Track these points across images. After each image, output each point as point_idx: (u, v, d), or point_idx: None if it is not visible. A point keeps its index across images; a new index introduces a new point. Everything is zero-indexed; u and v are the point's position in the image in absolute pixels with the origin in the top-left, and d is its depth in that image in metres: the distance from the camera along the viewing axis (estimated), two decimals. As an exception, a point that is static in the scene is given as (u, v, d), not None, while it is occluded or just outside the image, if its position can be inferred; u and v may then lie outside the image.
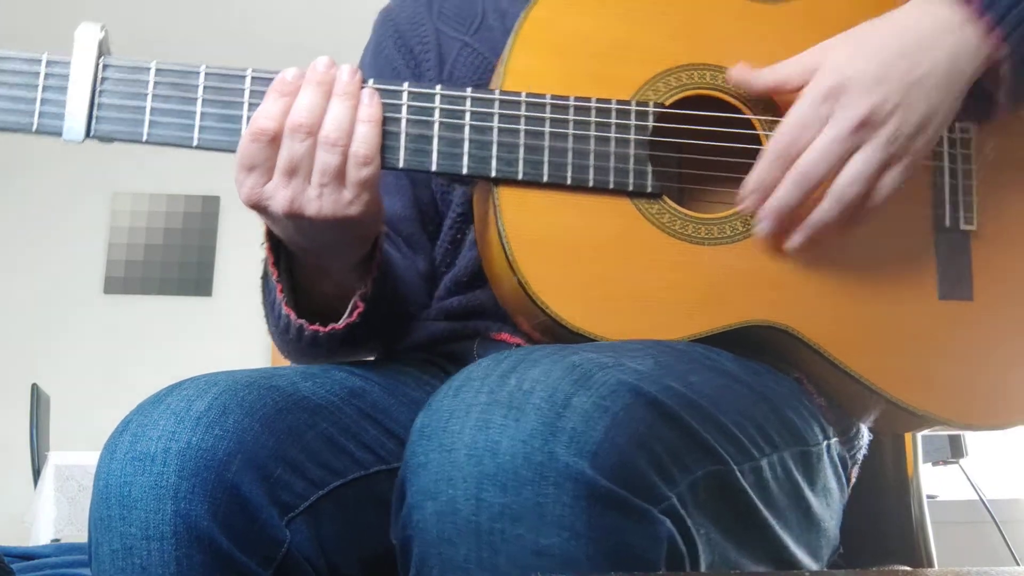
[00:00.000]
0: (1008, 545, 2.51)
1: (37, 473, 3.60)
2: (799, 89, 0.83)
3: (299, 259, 0.88)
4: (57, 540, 3.07)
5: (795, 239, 0.84)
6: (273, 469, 0.73)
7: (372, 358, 1.06)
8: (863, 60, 0.81)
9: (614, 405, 0.65)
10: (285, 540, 0.73)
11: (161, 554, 0.69)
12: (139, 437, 0.71)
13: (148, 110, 0.82)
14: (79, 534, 2.99)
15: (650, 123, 0.86)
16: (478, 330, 0.98)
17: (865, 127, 0.80)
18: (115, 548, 0.70)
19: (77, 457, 3.26)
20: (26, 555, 1.32)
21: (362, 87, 0.83)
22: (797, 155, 0.81)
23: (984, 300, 0.90)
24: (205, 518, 0.69)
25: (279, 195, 0.80)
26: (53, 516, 3.19)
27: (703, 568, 0.69)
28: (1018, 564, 2.51)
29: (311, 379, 0.83)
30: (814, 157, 0.80)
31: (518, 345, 0.91)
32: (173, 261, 5.26)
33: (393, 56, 1.10)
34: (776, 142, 0.82)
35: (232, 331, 4.47)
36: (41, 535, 3.16)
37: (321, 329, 0.87)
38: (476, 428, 0.63)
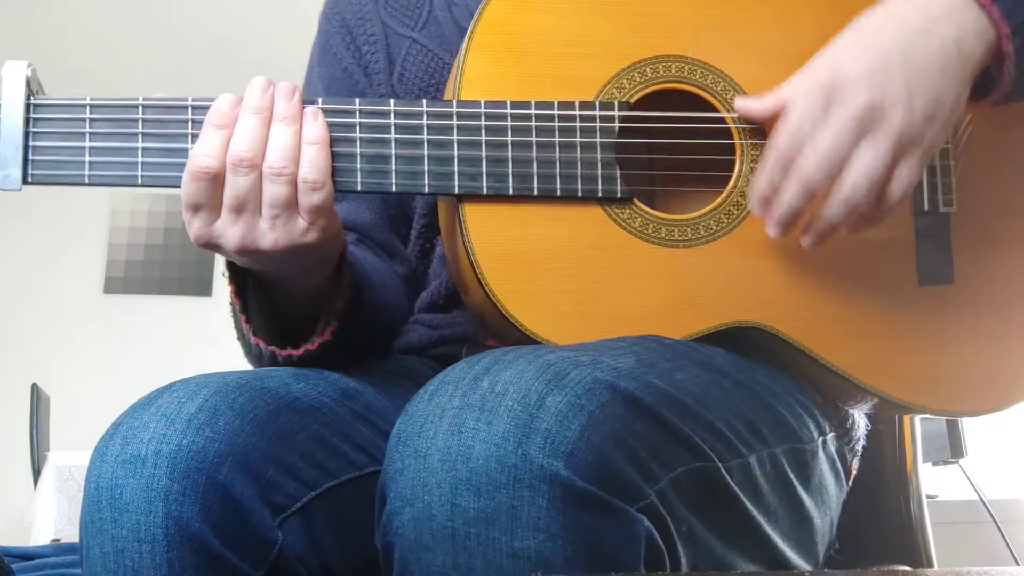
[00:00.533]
0: (1008, 545, 2.50)
1: (37, 473, 3.61)
2: None
3: (266, 283, 0.87)
4: (57, 540, 3.07)
5: (805, 241, 0.81)
6: (265, 470, 0.73)
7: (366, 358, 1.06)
8: (858, 53, 0.77)
9: (589, 403, 0.64)
10: (277, 541, 0.73)
11: (153, 556, 0.68)
12: (130, 439, 0.71)
13: (87, 150, 0.78)
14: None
15: (616, 124, 0.83)
16: (467, 335, 0.98)
17: (866, 121, 0.76)
18: (106, 551, 0.69)
19: (77, 457, 3.27)
20: (26, 555, 1.32)
21: (304, 106, 0.79)
22: (792, 159, 0.78)
23: (965, 283, 0.89)
24: (196, 520, 0.69)
25: (229, 232, 0.77)
26: (53, 516, 3.19)
27: (683, 564, 0.69)
28: (1018, 564, 2.51)
29: (303, 380, 0.82)
30: (814, 158, 0.76)
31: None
32: (173, 261, 5.27)
33: (342, 55, 1.07)
34: (775, 146, 0.79)
35: (232, 331, 4.47)
36: (41, 535, 3.16)
37: (295, 353, 0.86)
38: (449, 433, 0.63)
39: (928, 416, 0.94)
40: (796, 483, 0.83)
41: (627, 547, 0.64)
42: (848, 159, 0.76)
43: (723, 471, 0.73)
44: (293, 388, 0.80)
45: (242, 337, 0.90)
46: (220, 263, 0.87)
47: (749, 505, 0.77)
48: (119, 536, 0.69)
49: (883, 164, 0.76)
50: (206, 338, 4.87)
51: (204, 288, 5.21)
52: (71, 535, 3.12)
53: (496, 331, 0.86)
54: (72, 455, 3.30)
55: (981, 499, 2.52)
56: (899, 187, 0.78)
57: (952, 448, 2.61)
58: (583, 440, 0.63)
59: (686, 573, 0.68)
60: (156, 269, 5.27)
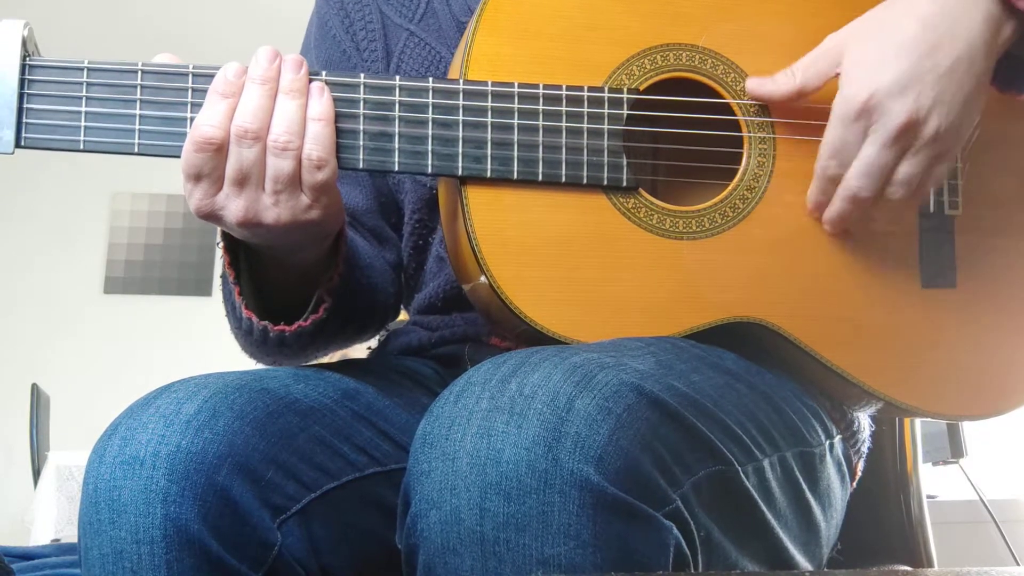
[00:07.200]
0: (1008, 545, 2.50)
1: (37, 473, 3.60)
2: (824, 83, 0.82)
3: (259, 255, 0.85)
4: (57, 540, 3.07)
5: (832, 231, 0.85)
6: (264, 472, 0.73)
7: (365, 358, 1.05)
8: (889, 64, 0.78)
9: (616, 406, 0.64)
10: (276, 543, 0.72)
11: (151, 558, 0.68)
12: (128, 440, 0.71)
13: (83, 115, 0.76)
14: (79, 534, 2.98)
15: (624, 111, 0.82)
16: (467, 335, 0.97)
17: (905, 135, 0.78)
18: (105, 552, 0.69)
19: (77, 457, 3.26)
20: (26, 555, 1.32)
21: (311, 80, 0.78)
22: (843, 173, 0.81)
23: (968, 287, 0.89)
24: (195, 522, 0.68)
25: (232, 205, 0.76)
26: (53, 516, 3.19)
27: (699, 570, 0.69)
28: (1018, 564, 2.50)
29: (303, 381, 0.82)
30: (858, 174, 0.80)
31: (509, 349, 0.90)
32: (173, 261, 5.27)
33: (341, 38, 1.05)
34: (820, 168, 0.82)
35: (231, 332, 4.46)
36: (41, 535, 3.16)
37: (288, 329, 0.84)
38: (478, 436, 0.63)
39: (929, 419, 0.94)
40: (804, 487, 0.83)
41: (656, 554, 0.64)
42: (892, 170, 0.80)
43: (742, 475, 0.73)
44: (293, 389, 0.80)
45: (232, 311, 0.88)
46: (220, 264, 0.86)
47: (764, 509, 0.77)
48: (118, 537, 0.69)
49: (922, 171, 0.80)
50: (206, 338, 4.87)
51: (204, 288, 5.21)
52: (71, 535, 3.12)
53: (498, 321, 0.86)
54: (72, 455, 3.30)
55: (981, 499, 2.51)
56: (934, 183, 0.82)
57: (952, 448, 2.61)
58: (612, 444, 0.62)
59: (687, 574, 0.67)
60: (156, 269, 5.27)
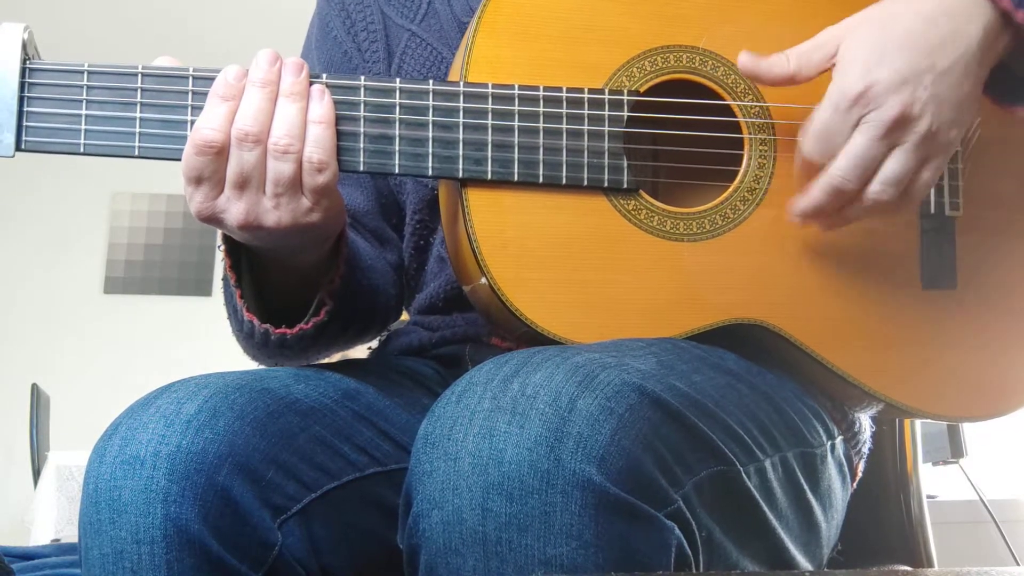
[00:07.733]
0: (1008, 545, 2.50)
1: (37, 473, 3.61)
2: (818, 74, 0.80)
3: (260, 257, 0.85)
4: (57, 540, 3.07)
5: (821, 227, 0.83)
6: (264, 472, 0.73)
7: (365, 358, 1.05)
8: (889, 57, 0.77)
9: (619, 406, 0.64)
10: (276, 543, 0.72)
11: (152, 558, 0.68)
12: (129, 440, 0.71)
13: (83, 118, 0.76)
14: (79, 534, 2.98)
15: (625, 113, 0.82)
16: (468, 336, 0.97)
17: (897, 128, 0.77)
18: (105, 552, 0.69)
19: (77, 457, 3.26)
20: (26, 555, 1.32)
21: (311, 83, 0.78)
22: (827, 161, 0.78)
23: (968, 289, 0.88)
24: (195, 522, 0.68)
25: (233, 208, 0.76)
26: (53, 516, 3.19)
27: (700, 570, 0.69)
28: (1018, 564, 2.50)
29: (304, 381, 0.82)
30: (845, 165, 0.77)
31: (509, 349, 0.90)
32: (173, 261, 5.27)
33: (343, 39, 1.05)
34: (804, 150, 0.79)
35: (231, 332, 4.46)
36: (41, 535, 3.16)
37: (289, 331, 0.85)
38: (480, 436, 0.63)
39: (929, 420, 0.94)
40: (806, 487, 0.83)
41: (658, 555, 0.64)
42: (878, 165, 0.78)
43: (743, 475, 0.73)
44: (293, 389, 0.80)
45: (234, 314, 0.89)
46: (220, 264, 0.86)
47: (765, 509, 0.77)
48: (118, 537, 0.69)
49: (911, 170, 0.78)
50: (206, 338, 4.87)
51: (204, 288, 5.21)
52: (71, 535, 3.11)
53: (498, 322, 0.86)
54: (72, 455, 3.30)
55: (981, 499, 2.51)
56: (923, 187, 0.79)
57: (952, 448, 2.61)
58: (614, 444, 0.62)
59: (687, 574, 0.68)
60: (156, 269, 5.27)
